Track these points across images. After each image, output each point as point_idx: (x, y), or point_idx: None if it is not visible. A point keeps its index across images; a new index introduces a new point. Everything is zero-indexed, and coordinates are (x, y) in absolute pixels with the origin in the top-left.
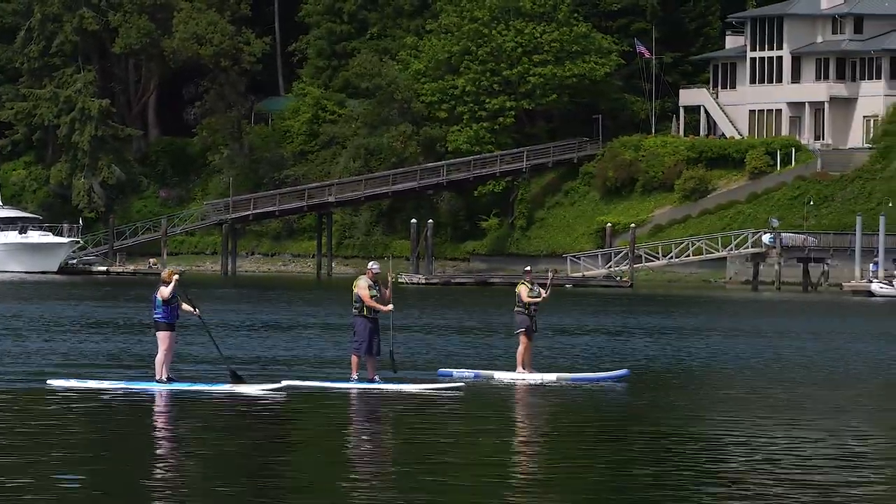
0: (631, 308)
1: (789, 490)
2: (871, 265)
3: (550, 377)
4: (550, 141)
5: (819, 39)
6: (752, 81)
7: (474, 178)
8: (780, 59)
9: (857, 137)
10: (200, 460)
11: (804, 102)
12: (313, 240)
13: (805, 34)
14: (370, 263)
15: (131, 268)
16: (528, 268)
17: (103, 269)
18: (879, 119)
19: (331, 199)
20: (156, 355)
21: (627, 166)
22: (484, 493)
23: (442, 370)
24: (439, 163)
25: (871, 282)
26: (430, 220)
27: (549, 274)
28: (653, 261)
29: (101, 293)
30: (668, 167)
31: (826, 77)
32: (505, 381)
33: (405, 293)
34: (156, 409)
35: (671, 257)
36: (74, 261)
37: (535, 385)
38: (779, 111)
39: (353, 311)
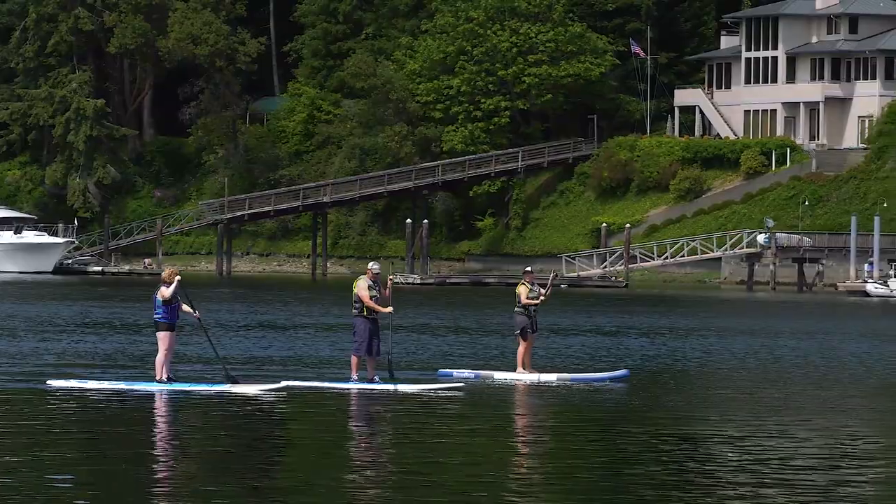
0: (626, 308)
1: (783, 490)
2: (865, 265)
3: (550, 378)
4: (545, 141)
5: (814, 40)
6: (747, 81)
7: (469, 178)
8: (774, 59)
9: (851, 138)
10: (201, 460)
11: (799, 103)
12: (308, 240)
13: (800, 34)
14: (370, 264)
15: (126, 268)
16: (529, 268)
17: (98, 269)
18: (874, 119)
19: (326, 199)
20: (156, 355)
21: (622, 166)
22: (484, 493)
23: (442, 370)
24: (434, 163)
25: (866, 282)
26: (426, 221)
27: (551, 274)
28: (648, 261)
29: (97, 293)
30: (664, 167)
31: (821, 77)
32: (505, 381)
33: (401, 293)
34: (155, 409)
35: (666, 257)
36: (70, 261)
37: (535, 385)
38: (774, 111)
39: (353, 311)
